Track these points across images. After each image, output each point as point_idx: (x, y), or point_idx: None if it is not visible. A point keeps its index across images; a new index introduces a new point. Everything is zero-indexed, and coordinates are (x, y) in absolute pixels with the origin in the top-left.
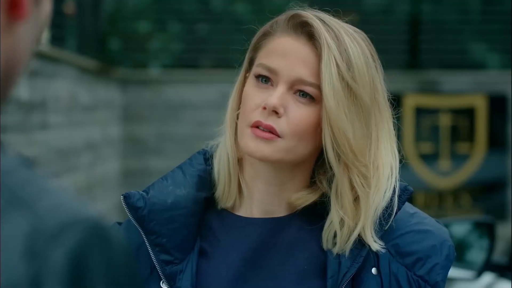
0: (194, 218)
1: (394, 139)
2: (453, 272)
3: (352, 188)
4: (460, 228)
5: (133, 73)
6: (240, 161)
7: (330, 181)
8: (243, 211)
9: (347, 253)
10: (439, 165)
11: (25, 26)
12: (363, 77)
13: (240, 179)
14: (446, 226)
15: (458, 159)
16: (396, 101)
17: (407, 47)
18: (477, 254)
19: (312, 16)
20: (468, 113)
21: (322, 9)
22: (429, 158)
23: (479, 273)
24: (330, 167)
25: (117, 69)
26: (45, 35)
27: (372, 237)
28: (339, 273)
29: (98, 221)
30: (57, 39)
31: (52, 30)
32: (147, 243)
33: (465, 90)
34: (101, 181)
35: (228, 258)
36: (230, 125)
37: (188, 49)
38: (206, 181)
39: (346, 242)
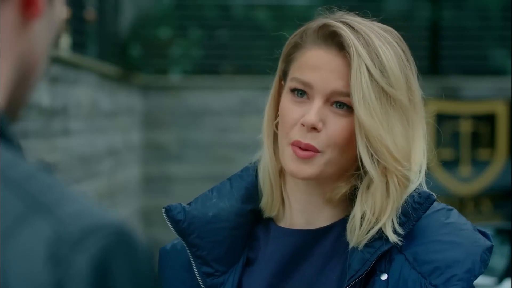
0: (239, 230)
1: (425, 138)
2: None
3: (388, 187)
4: None
5: (154, 79)
6: (282, 171)
7: (360, 176)
8: (285, 222)
9: (360, 247)
10: (459, 171)
11: (40, 25)
12: (398, 80)
13: (282, 190)
14: None
15: (479, 165)
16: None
17: (428, 53)
18: (498, 261)
19: (340, 25)
20: (489, 119)
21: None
22: (450, 164)
23: (500, 280)
24: (362, 166)
25: (138, 75)
26: (66, 41)
27: (393, 228)
28: (346, 276)
29: (122, 226)
30: (78, 46)
31: (73, 36)
32: (190, 255)
33: (486, 96)
34: (122, 187)
35: (266, 269)
36: (267, 136)
37: (209, 55)
38: (253, 194)
39: (365, 235)
